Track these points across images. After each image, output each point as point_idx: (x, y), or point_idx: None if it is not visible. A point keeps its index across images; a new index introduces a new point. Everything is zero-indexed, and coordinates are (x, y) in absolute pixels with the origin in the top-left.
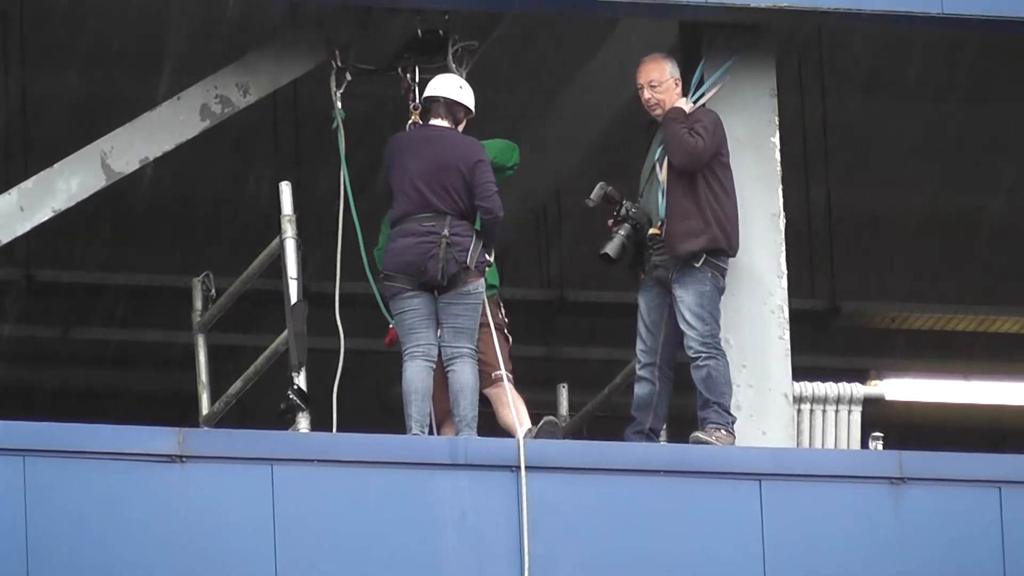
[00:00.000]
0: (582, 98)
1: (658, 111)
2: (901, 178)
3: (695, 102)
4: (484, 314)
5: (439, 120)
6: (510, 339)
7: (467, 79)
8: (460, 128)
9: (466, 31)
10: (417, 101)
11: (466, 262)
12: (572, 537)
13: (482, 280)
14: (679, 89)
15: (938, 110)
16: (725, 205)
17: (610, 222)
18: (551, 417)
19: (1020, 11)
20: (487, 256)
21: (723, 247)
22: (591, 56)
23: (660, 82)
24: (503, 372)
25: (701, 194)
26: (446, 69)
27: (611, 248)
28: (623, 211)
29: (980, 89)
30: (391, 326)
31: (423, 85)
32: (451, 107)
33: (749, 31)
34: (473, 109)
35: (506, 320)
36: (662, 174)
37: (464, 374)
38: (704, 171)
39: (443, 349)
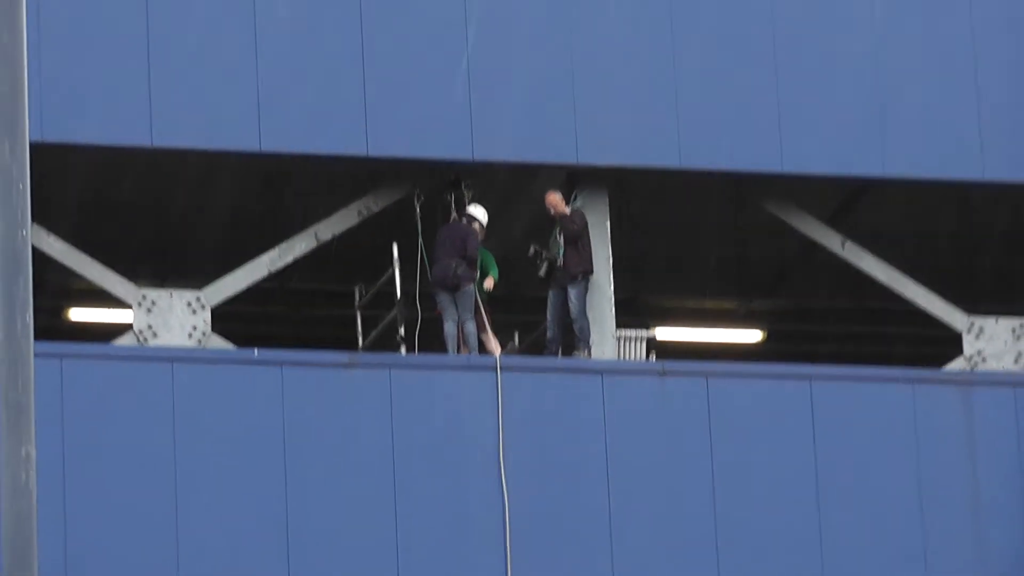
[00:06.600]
0: (524, 207)
1: (552, 211)
2: (681, 247)
3: (571, 207)
4: (478, 304)
5: (464, 219)
6: (487, 318)
7: (475, 200)
8: (474, 225)
9: (471, 177)
10: (452, 208)
11: (461, 275)
12: (518, 400)
13: (472, 284)
14: (564, 203)
15: (700, 239)
16: (588, 251)
17: (538, 261)
18: (511, 344)
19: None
20: (473, 274)
21: (588, 270)
22: (527, 188)
23: (553, 204)
24: (489, 329)
25: (579, 247)
26: (465, 193)
27: (542, 272)
28: (544, 256)
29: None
30: (436, 308)
31: (458, 200)
32: (469, 216)
33: (592, 176)
34: (482, 221)
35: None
36: (560, 239)
37: (469, 326)
38: (578, 238)
39: (459, 316)
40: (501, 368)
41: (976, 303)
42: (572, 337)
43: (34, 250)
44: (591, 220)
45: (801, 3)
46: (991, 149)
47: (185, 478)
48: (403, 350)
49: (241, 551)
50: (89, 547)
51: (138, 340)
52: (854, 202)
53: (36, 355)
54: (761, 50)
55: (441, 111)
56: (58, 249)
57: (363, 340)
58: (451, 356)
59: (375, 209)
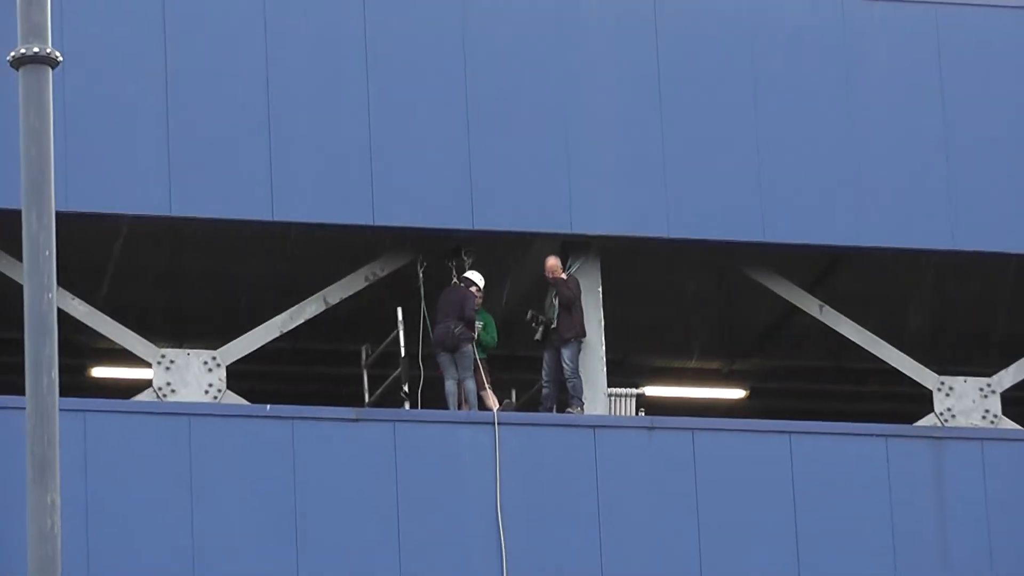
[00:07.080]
0: (520, 274)
1: (549, 276)
2: (660, 315)
3: (567, 273)
4: (477, 364)
5: (462, 284)
6: (486, 377)
7: (473, 267)
8: (472, 289)
9: (471, 245)
10: (454, 274)
11: (460, 337)
12: (515, 453)
13: (471, 345)
14: (561, 268)
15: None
16: (580, 316)
17: (534, 324)
18: (508, 400)
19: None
20: (471, 334)
21: (580, 334)
22: (523, 256)
23: (552, 269)
24: (487, 387)
25: (572, 312)
26: (465, 260)
27: (538, 335)
28: (540, 319)
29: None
30: (438, 368)
31: (459, 267)
32: (467, 280)
33: (585, 245)
34: (479, 285)
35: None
36: (556, 303)
37: (469, 384)
38: (572, 304)
39: (459, 374)
40: (499, 423)
41: (946, 364)
42: (566, 395)
43: (59, 312)
44: (584, 286)
45: (781, 85)
46: (960, 220)
47: (201, 525)
48: (406, 406)
49: None
50: None
51: (157, 396)
52: (832, 269)
53: (61, 410)
54: (744, 129)
55: (443, 183)
56: (82, 311)
57: (369, 397)
58: (452, 412)
59: (381, 274)
